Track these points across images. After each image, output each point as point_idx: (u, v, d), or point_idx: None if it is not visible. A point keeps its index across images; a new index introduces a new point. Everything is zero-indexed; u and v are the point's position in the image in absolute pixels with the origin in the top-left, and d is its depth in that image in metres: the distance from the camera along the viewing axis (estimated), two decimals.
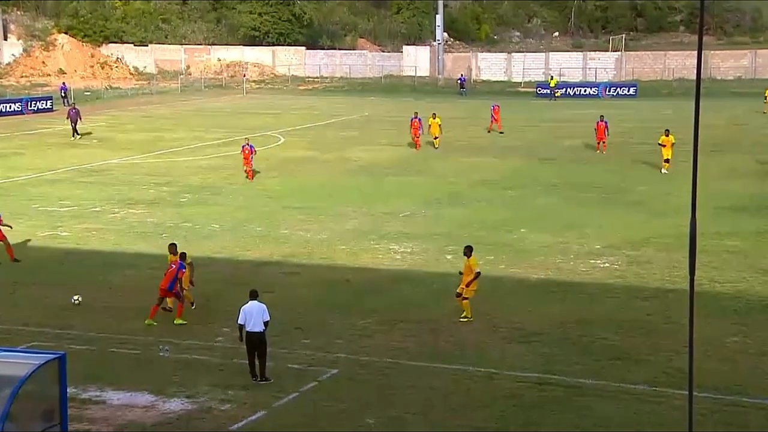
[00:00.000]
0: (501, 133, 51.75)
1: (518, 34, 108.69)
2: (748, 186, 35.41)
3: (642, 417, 15.34)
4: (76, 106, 53.64)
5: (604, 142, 43.73)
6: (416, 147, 45.71)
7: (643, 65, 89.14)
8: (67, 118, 50.94)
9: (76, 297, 21.80)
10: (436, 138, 45.67)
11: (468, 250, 20.43)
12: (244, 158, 37.67)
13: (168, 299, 20.63)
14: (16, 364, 13.18)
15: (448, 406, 15.91)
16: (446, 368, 17.58)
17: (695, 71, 8.37)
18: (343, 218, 30.67)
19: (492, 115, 53.04)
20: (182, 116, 64.25)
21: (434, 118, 45.76)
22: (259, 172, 38.32)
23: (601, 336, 19.27)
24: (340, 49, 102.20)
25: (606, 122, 43.82)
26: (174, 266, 20.10)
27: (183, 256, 20.66)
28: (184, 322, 19.98)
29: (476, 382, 16.93)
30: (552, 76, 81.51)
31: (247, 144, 37.78)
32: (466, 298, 20.19)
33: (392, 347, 18.70)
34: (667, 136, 37.74)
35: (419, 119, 45.99)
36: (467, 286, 20.11)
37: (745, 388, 16.36)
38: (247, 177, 37.50)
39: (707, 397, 15.54)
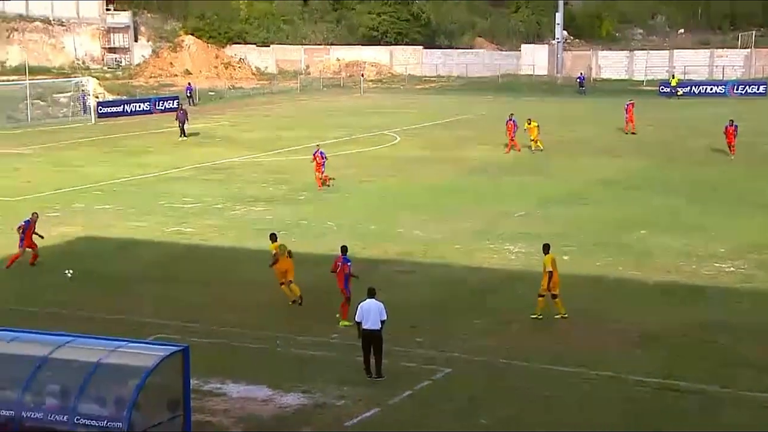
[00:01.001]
0: (633, 133, 49.94)
1: (641, 31, 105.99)
2: None
3: None
4: (183, 108, 55.31)
5: (733, 146, 41.45)
6: (515, 148, 44.48)
7: None
8: (176, 119, 52.33)
9: (68, 271, 23.10)
10: (533, 140, 44.45)
11: (545, 248, 20.41)
12: (316, 165, 35.91)
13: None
14: (143, 355, 13.72)
15: (563, 409, 15.68)
16: (562, 370, 17.34)
17: None
18: (458, 217, 30.60)
19: (626, 114, 50.90)
20: (301, 115, 65.39)
21: (529, 123, 44.49)
22: (333, 179, 36.54)
23: (726, 342, 18.64)
24: (457, 48, 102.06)
25: (736, 126, 41.54)
26: (339, 263, 19.87)
27: (344, 249, 20.27)
28: (348, 323, 19.26)
29: (593, 385, 16.63)
30: (673, 75, 79.18)
31: (318, 151, 36.11)
32: (555, 296, 20.04)
33: (507, 347, 18.56)
34: None
35: (514, 121, 44.97)
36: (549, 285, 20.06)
37: None
38: (320, 185, 35.73)
39: None
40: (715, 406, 15.71)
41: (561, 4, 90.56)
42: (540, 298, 20.21)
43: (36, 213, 26.21)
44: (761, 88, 74.97)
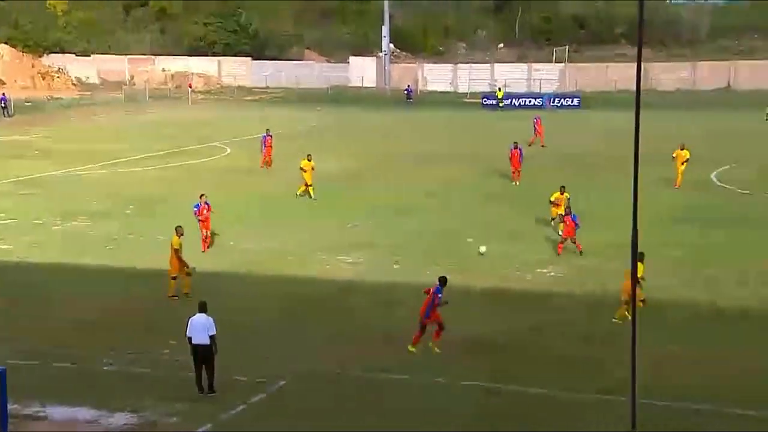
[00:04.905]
0: (531, 144, 50.04)
1: (464, 45, 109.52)
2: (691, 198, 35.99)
3: (590, 426, 15.53)
4: None
5: (519, 171, 38.83)
6: (267, 165, 43.12)
7: (587, 77, 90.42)
8: None
9: (482, 248, 26.13)
10: (309, 186, 35.56)
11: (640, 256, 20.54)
12: (203, 220, 27.51)
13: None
14: None
15: (399, 416, 15.91)
16: (397, 378, 17.58)
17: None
18: (290, 229, 30.55)
19: (535, 128, 51.47)
20: (126, 127, 63.50)
21: (309, 160, 36.03)
22: (217, 234, 28.75)
23: (549, 345, 19.43)
24: (286, 59, 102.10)
25: (521, 149, 39.14)
26: (429, 294, 18.95)
27: (443, 280, 18.97)
28: (438, 352, 18.78)
29: (427, 392, 16.96)
30: (499, 88, 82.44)
31: (205, 202, 27.59)
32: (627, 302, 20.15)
33: (341, 358, 18.64)
34: (682, 150, 37.00)
35: (272, 136, 43.64)
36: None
37: (687, 395, 16.60)
38: (205, 247, 27.52)
39: (649, 403, 15.72)
40: (539, 408, 16.35)
41: (387, 16, 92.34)
42: (640, 303, 20.05)
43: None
44: (575, 100, 79.10)
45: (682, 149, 37.28)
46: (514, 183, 39.05)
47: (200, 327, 16.69)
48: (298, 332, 20.28)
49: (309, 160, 36.02)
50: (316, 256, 26.98)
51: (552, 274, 25.04)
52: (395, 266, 25.92)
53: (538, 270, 25.36)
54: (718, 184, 38.34)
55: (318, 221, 31.79)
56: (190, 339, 16.77)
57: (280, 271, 25.36)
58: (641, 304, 20.46)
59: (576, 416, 15.88)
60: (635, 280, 8.56)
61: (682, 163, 37.03)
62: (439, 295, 18.82)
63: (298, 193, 35.71)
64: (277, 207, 34.52)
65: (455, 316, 21.24)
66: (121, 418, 15.75)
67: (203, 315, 16.85)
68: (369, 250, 27.58)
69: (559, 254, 26.51)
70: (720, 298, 22.40)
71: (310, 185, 35.67)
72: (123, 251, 27.39)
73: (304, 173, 35.72)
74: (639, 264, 20.43)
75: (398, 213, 33.15)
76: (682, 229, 29.92)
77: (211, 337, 16.67)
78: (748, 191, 36.38)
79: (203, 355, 16.67)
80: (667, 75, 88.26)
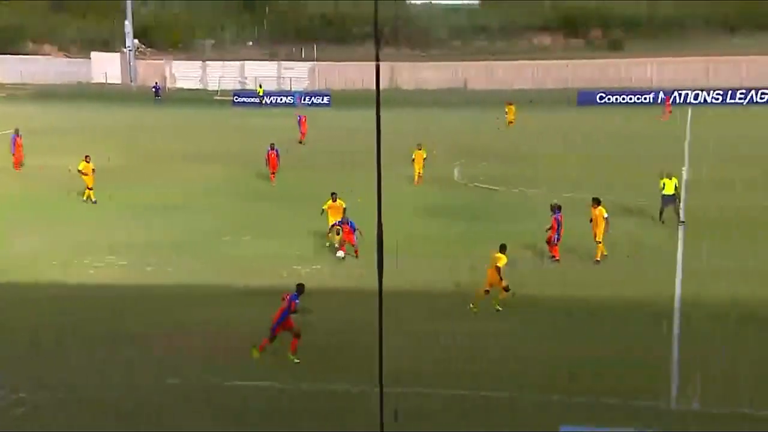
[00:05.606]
0: (301, 143, 50.87)
1: (213, 42, 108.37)
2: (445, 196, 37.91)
3: (343, 414, 16.08)
4: None
5: (275, 173, 38.99)
6: (16, 168, 41.60)
7: (335, 75, 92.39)
8: None
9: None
10: (90, 189, 34.47)
11: (502, 248, 21.46)
12: None
13: None
14: None
15: (171, 420, 15.77)
16: (172, 384, 17.37)
17: (384, 81, 9.10)
18: (37, 232, 29.16)
19: (299, 126, 52.15)
20: None
21: (88, 162, 34.70)
22: None
23: (307, 340, 19.85)
24: (17, 54, 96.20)
25: (277, 150, 39.18)
26: (284, 301, 18.09)
27: (300, 288, 18.46)
28: (297, 361, 18.14)
29: (147, 393, 16.89)
30: (260, 85, 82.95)
31: None
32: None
33: (97, 364, 18.15)
34: (420, 149, 38.69)
35: (20, 136, 41.84)
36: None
37: (430, 381, 17.41)
38: None
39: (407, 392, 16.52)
40: (301, 402, 16.75)
41: (129, 11, 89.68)
42: (486, 293, 21.20)
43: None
44: (325, 98, 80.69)
45: (419, 149, 39.25)
46: (271, 184, 38.82)
47: None
48: (53, 341, 19.47)
49: (88, 162, 34.43)
50: (69, 259, 25.97)
51: (308, 269, 25.46)
52: (148, 268, 25.45)
53: (295, 267, 25.66)
54: (460, 181, 40.53)
55: (66, 223, 30.55)
56: None
57: (32, 277, 24.24)
58: (505, 292, 21.61)
59: (337, 411, 16.34)
60: (381, 271, 9.15)
61: (420, 161, 38.96)
62: (296, 302, 18.34)
63: (83, 198, 34.28)
64: (20, 208, 32.81)
65: (235, 315, 21.10)
66: None
67: None
68: (125, 252, 26.90)
69: (343, 257, 26.50)
70: (470, 288, 23.65)
71: (91, 188, 34.25)
72: None
73: (84, 176, 34.22)
74: (503, 255, 21.64)
75: (153, 213, 32.46)
76: (427, 224, 31.34)
77: None
78: (485, 185, 38.76)
79: None
80: (410, 74, 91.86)
